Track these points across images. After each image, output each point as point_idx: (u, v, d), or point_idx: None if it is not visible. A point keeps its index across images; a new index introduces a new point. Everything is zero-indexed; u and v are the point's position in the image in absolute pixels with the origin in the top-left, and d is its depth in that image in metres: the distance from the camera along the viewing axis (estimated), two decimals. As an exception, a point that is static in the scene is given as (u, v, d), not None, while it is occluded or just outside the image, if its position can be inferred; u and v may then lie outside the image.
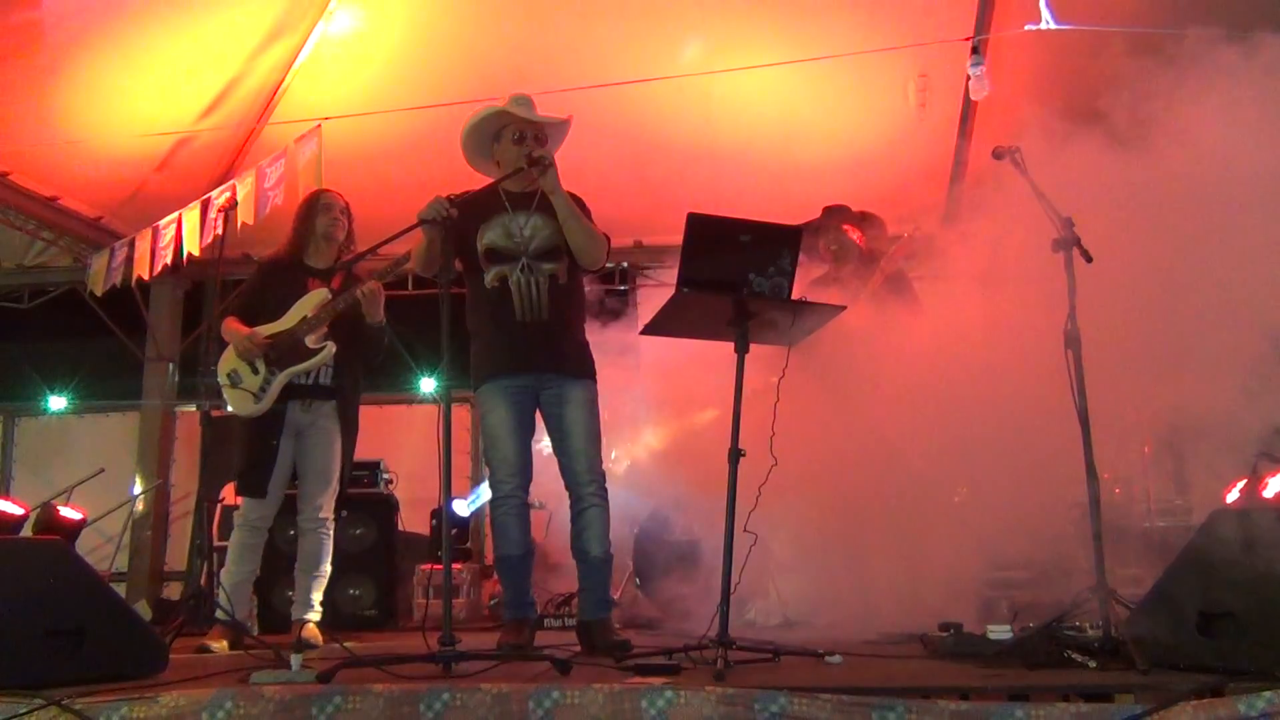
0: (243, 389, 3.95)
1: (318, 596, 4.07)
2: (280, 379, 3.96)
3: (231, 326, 4.01)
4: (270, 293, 4.09)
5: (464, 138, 3.61)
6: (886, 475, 4.59)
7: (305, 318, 4.00)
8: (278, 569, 4.76)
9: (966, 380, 4.19)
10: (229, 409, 4.04)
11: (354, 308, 3.98)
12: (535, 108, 3.60)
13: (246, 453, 4.01)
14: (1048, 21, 4.97)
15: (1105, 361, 3.26)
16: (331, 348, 4.00)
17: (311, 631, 3.99)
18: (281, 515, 4.18)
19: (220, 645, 3.73)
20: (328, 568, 4.09)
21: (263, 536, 4.03)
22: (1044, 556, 4.14)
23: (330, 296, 4.03)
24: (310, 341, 3.99)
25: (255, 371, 3.97)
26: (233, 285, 5.43)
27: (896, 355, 4.28)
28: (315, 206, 4.20)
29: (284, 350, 3.97)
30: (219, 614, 3.78)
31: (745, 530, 2.96)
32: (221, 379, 4.00)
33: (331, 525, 4.11)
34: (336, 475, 4.09)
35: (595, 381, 3.58)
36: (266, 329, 4.00)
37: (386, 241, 3.16)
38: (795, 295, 3.01)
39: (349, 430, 4.14)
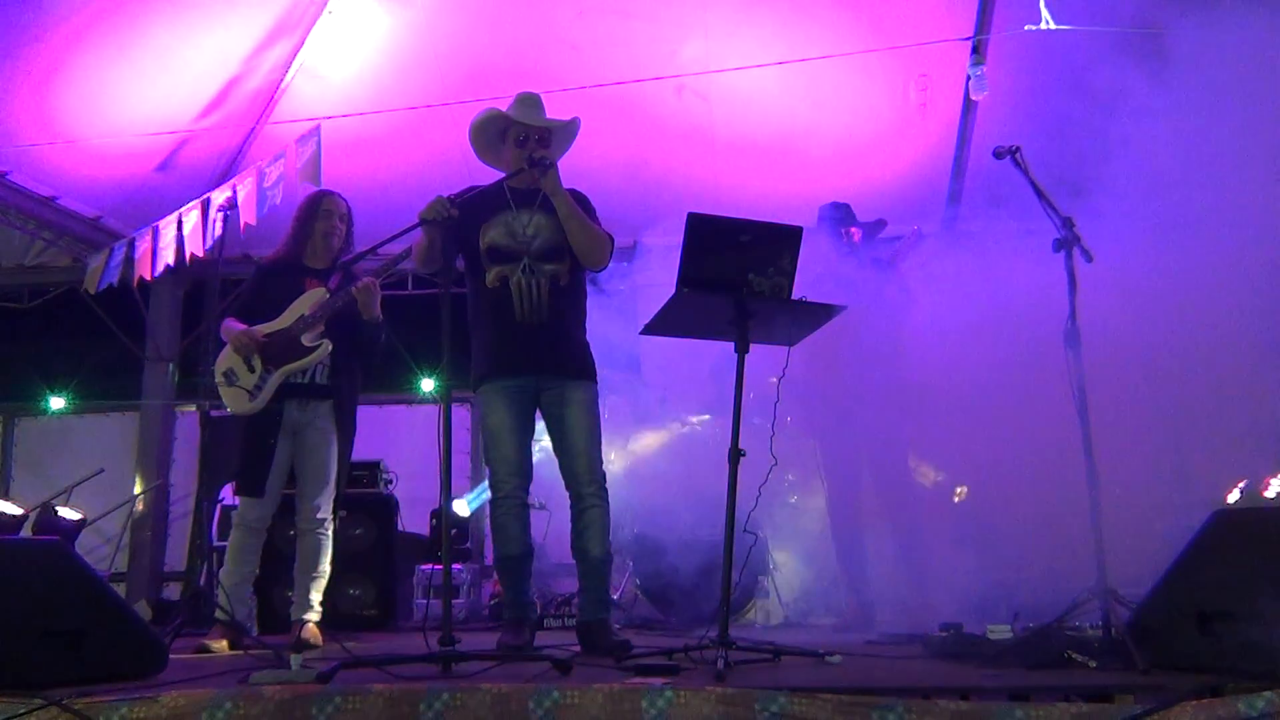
0: (238, 386, 3.95)
1: (317, 597, 4.07)
2: (275, 377, 3.96)
3: (229, 326, 4.02)
4: (268, 293, 4.10)
5: (471, 138, 3.62)
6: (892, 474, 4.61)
7: (302, 316, 4.00)
8: (278, 569, 4.75)
9: (969, 380, 4.20)
10: (226, 408, 4.04)
11: (351, 305, 3.99)
12: (542, 106, 3.60)
13: (244, 453, 4.01)
14: (1048, 22, 4.97)
15: (1107, 361, 3.26)
16: (327, 346, 4.00)
17: (311, 632, 3.99)
18: (282, 516, 4.17)
19: (220, 645, 3.74)
20: (327, 568, 4.09)
21: (261, 537, 4.03)
22: (1045, 556, 4.15)
23: (328, 295, 4.03)
24: (306, 340, 3.99)
25: (251, 369, 3.97)
26: (233, 285, 5.43)
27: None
28: (316, 210, 4.20)
29: (280, 348, 3.98)
30: (218, 614, 3.78)
31: (745, 530, 2.96)
32: (218, 377, 4.01)
33: (330, 526, 4.11)
34: (334, 476, 4.09)
35: (596, 382, 3.58)
36: (263, 328, 4.00)
37: (386, 241, 3.17)
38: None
39: (345, 431, 4.13)
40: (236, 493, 4.11)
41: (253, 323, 4.02)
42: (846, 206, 4.99)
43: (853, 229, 4.91)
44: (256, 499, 3.96)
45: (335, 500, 4.12)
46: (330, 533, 4.10)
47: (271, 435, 3.97)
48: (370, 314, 4.01)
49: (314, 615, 4.04)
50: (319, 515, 4.05)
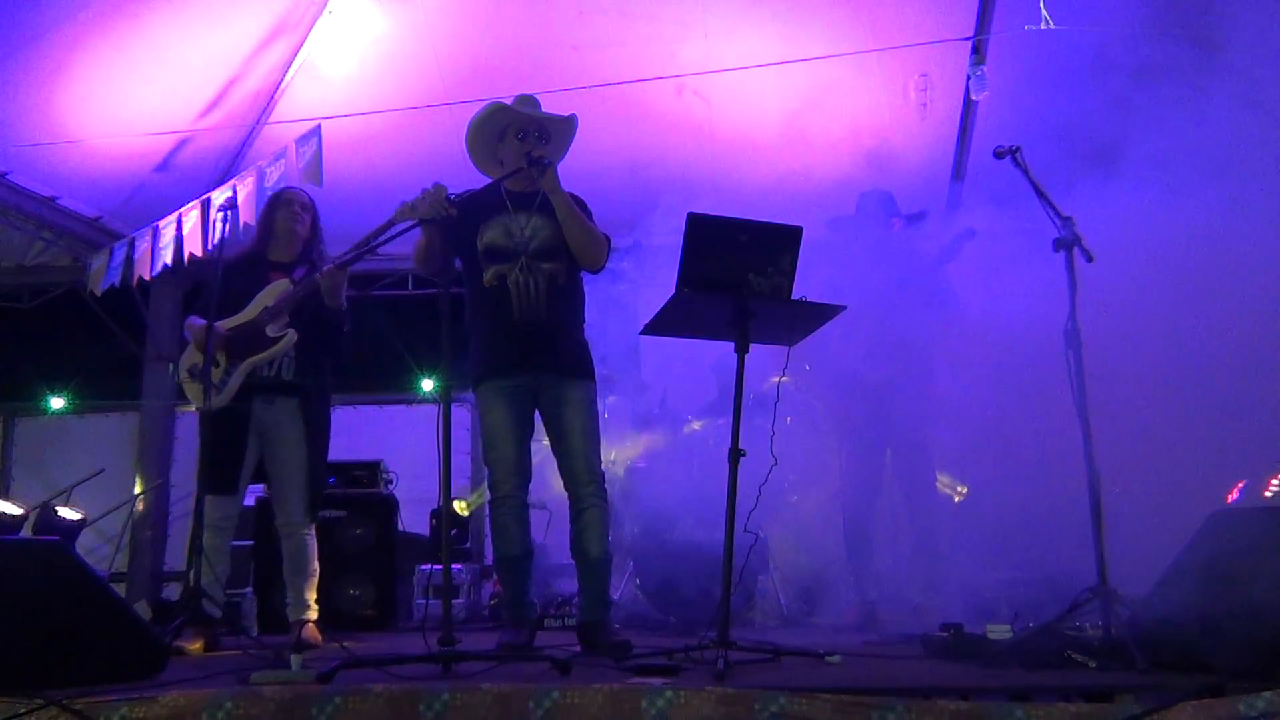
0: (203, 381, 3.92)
1: (311, 595, 4.03)
2: (241, 369, 3.92)
3: (192, 322, 3.99)
4: (233, 288, 4.03)
5: (469, 136, 3.60)
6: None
7: (266, 308, 3.96)
8: (277, 570, 4.74)
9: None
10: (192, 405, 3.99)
11: (316, 296, 3.94)
12: (540, 109, 3.60)
13: (209, 449, 3.92)
14: (1047, 22, 4.97)
15: (1108, 361, 3.26)
16: (292, 336, 3.96)
17: (311, 631, 3.98)
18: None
19: (195, 647, 3.70)
20: (316, 566, 4.05)
21: (229, 536, 3.98)
22: (1045, 556, 4.15)
23: (291, 287, 4.01)
24: (270, 331, 3.96)
25: (217, 364, 3.93)
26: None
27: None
28: (276, 203, 4.19)
29: (245, 341, 3.94)
30: (206, 603, 3.73)
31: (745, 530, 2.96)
32: (182, 374, 3.99)
33: (312, 525, 4.05)
34: (307, 475, 4.03)
35: (594, 382, 3.58)
36: (227, 322, 3.96)
37: (386, 241, 3.17)
38: None
39: (315, 428, 4.07)
40: (202, 491, 3.98)
41: (217, 319, 3.97)
42: (889, 194, 4.95)
43: (894, 219, 4.89)
44: (228, 496, 3.91)
45: (315, 498, 4.07)
46: (313, 532, 4.05)
47: (239, 432, 3.92)
48: (334, 301, 3.96)
49: (311, 614, 4.03)
50: (298, 517, 4.00)
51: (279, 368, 4.02)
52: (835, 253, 4.66)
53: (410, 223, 3.13)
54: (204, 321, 3.94)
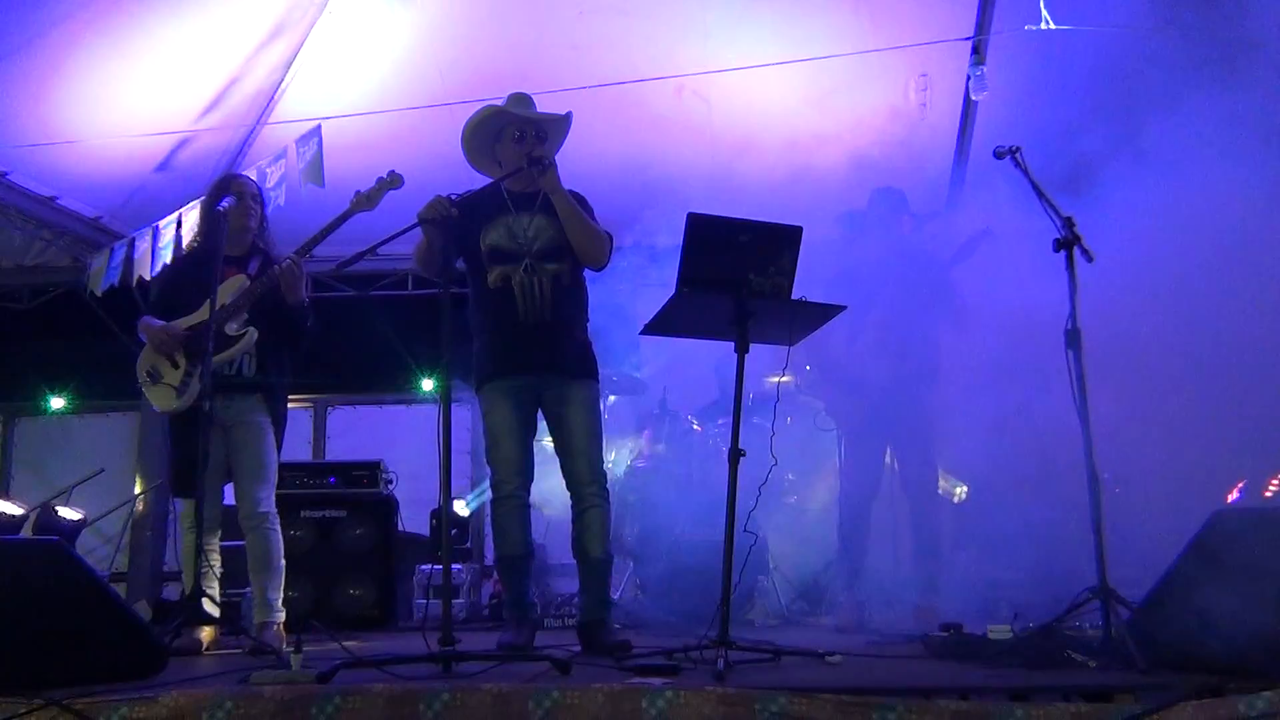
0: (164, 384, 3.85)
1: (277, 596, 3.90)
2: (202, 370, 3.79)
3: (147, 323, 3.91)
4: (186, 286, 3.96)
5: (465, 139, 3.60)
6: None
7: (223, 305, 3.84)
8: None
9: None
10: (154, 407, 3.93)
11: (275, 291, 3.87)
12: (534, 106, 3.61)
13: (178, 452, 3.86)
14: (1047, 21, 4.97)
15: (1108, 361, 3.27)
16: (253, 334, 3.88)
17: (278, 634, 3.83)
18: (282, 515, 4.10)
19: (207, 632, 3.69)
20: (282, 563, 3.94)
21: (216, 536, 3.92)
22: (1045, 556, 4.15)
23: (248, 282, 3.93)
24: (229, 330, 3.86)
25: (175, 366, 3.86)
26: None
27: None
28: (225, 194, 4.04)
29: (204, 341, 3.81)
30: (205, 603, 3.67)
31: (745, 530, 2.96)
32: (141, 376, 3.92)
33: (276, 520, 3.95)
34: (274, 469, 3.96)
35: (597, 382, 3.58)
36: (184, 321, 3.88)
37: (386, 241, 3.16)
38: None
39: (278, 422, 4.01)
40: (175, 494, 3.95)
41: (170, 318, 3.91)
42: (900, 192, 4.92)
43: (905, 217, 4.86)
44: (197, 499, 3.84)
45: (274, 489, 3.99)
46: (278, 527, 3.96)
47: (204, 432, 3.81)
48: (295, 297, 3.88)
49: (279, 616, 3.89)
50: (261, 509, 3.89)
51: (240, 366, 3.94)
52: (846, 247, 4.66)
53: (411, 223, 3.14)
54: (160, 322, 3.89)
